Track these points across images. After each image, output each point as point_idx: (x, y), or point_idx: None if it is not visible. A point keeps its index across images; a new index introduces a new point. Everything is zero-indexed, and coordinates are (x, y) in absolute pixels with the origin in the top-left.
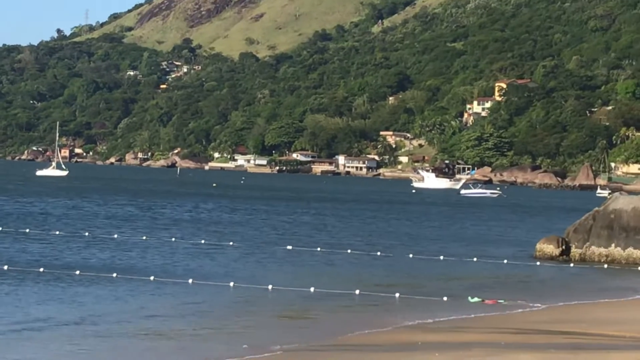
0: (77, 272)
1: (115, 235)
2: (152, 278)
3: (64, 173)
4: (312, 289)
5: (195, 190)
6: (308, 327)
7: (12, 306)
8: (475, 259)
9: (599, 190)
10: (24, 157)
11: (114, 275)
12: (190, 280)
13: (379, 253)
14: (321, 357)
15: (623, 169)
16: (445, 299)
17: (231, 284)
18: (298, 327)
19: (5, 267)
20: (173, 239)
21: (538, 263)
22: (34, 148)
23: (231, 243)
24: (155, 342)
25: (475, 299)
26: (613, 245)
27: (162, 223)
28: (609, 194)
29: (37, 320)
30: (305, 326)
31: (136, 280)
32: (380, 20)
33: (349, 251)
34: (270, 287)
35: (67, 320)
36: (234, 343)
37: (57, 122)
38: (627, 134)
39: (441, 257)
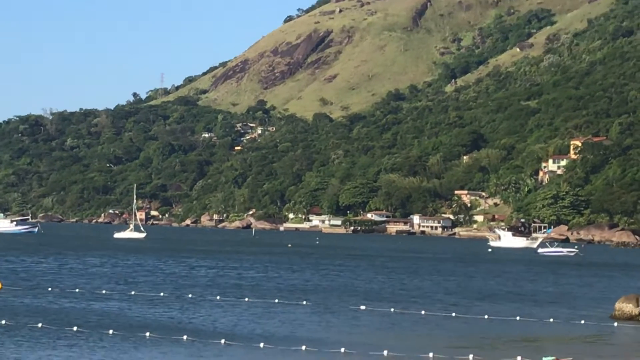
0: (147, 334)
1: (190, 295)
2: (222, 341)
3: (142, 235)
4: (385, 352)
5: (270, 250)
6: None
7: None
8: (551, 320)
9: None
10: (100, 220)
11: (184, 337)
12: (261, 344)
13: (454, 314)
14: None
15: None
16: (519, 359)
17: (303, 347)
18: None
19: (75, 328)
20: (246, 299)
21: (616, 324)
22: (111, 211)
23: (304, 302)
24: None
25: (550, 358)
26: None
27: (236, 283)
28: None
29: None
30: None
31: (205, 343)
32: (453, 80)
33: (422, 312)
34: (342, 350)
35: None
36: None
37: (134, 185)
38: None
39: (517, 318)
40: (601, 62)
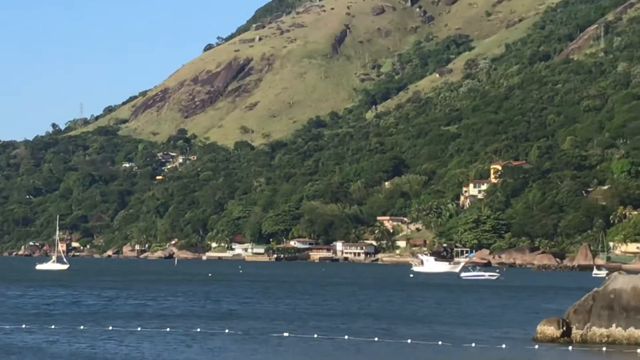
0: None
1: (110, 327)
2: None
3: (65, 267)
4: None
5: (191, 280)
6: None
7: None
8: (473, 344)
9: (595, 271)
10: (21, 252)
11: None
12: None
13: (376, 339)
14: None
15: (621, 248)
16: None
17: None
18: None
19: None
20: (168, 329)
21: (537, 346)
22: (31, 243)
23: (227, 330)
24: None
25: None
26: (614, 325)
27: (157, 313)
28: (607, 274)
29: None
30: None
31: None
32: (374, 106)
33: (346, 337)
34: None
35: None
36: None
37: (57, 216)
38: (624, 212)
39: (440, 342)
40: (519, 86)
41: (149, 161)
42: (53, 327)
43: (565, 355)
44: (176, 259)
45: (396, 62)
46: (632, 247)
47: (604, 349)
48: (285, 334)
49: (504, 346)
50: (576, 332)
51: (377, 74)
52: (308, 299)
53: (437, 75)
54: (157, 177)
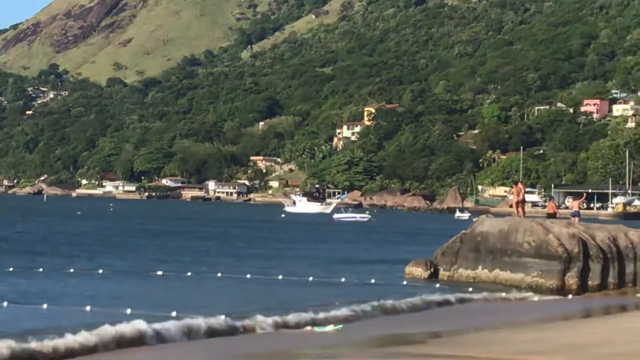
0: None
1: None
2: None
3: None
4: (174, 313)
5: (60, 215)
6: None
7: None
8: (343, 279)
9: (457, 214)
10: None
11: None
12: (45, 305)
13: (249, 276)
14: None
15: (490, 192)
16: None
17: (88, 307)
18: None
19: None
20: (40, 270)
21: (404, 282)
22: None
23: (100, 271)
24: None
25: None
26: (480, 267)
27: (30, 249)
28: (470, 216)
29: None
30: None
31: None
32: (249, 46)
33: (219, 274)
34: (129, 310)
35: None
36: None
37: None
38: (493, 156)
39: (310, 278)
40: (394, 30)
41: (19, 96)
42: None
43: (433, 290)
44: (45, 195)
45: (272, 2)
46: (499, 190)
47: (470, 289)
48: (159, 272)
49: (372, 281)
50: (443, 274)
51: (253, 13)
52: (181, 236)
53: (314, 16)
54: (27, 112)
